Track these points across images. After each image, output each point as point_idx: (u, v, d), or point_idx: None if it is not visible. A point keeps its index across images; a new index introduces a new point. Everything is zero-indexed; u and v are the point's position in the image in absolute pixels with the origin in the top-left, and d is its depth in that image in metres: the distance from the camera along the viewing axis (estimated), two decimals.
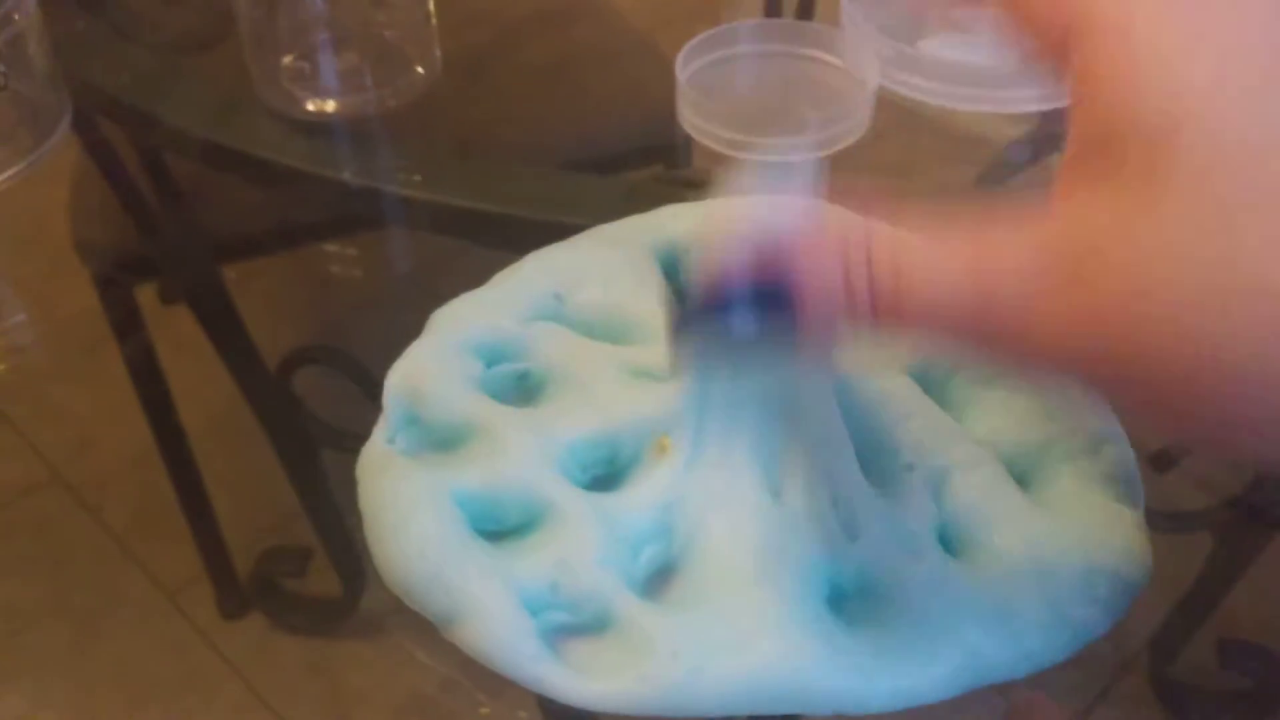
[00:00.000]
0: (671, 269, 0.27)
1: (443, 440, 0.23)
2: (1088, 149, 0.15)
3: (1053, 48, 0.15)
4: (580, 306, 0.25)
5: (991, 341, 0.15)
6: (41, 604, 0.26)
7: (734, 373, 0.21)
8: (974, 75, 0.37)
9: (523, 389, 0.24)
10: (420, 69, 0.40)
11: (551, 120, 0.40)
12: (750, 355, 0.18)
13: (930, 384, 0.24)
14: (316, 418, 0.30)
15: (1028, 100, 0.37)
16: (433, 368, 0.24)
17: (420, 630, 0.23)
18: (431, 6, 0.40)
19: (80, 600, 0.27)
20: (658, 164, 0.38)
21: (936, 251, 0.15)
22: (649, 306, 0.25)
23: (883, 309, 0.16)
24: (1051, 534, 0.21)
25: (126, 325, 0.34)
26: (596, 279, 0.25)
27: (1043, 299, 0.15)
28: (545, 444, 0.22)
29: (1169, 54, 0.14)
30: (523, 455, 0.22)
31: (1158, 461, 0.28)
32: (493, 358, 0.24)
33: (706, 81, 0.37)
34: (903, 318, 0.16)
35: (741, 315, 0.17)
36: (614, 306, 0.25)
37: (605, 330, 0.25)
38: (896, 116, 0.37)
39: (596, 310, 0.25)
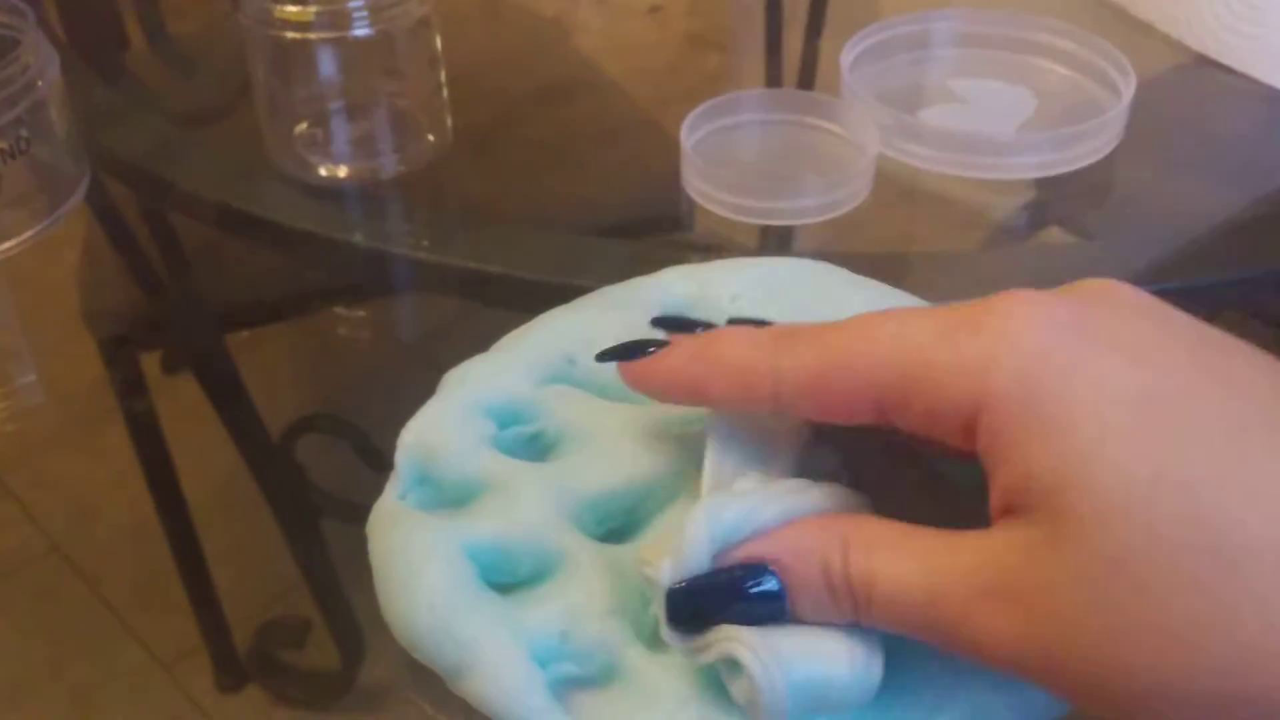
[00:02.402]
0: (676, 330, 0.27)
1: (455, 498, 0.23)
2: (1009, 490, 0.17)
3: (956, 431, 0.18)
4: (592, 369, 0.25)
5: (945, 640, 0.18)
6: (38, 675, 0.26)
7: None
8: (972, 143, 0.37)
9: (535, 449, 0.24)
10: (431, 137, 0.41)
11: (559, 189, 0.40)
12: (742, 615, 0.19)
13: None
14: (318, 487, 0.30)
15: (1025, 168, 0.38)
16: (446, 427, 0.24)
17: (422, 698, 0.22)
18: (443, 77, 0.41)
19: (77, 672, 0.26)
20: (662, 231, 0.38)
21: (900, 561, 0.18)
22: None
23: (859, 610, 0.19)
24: None
25: (131, 393, 0.34)
26: (606, 342, 0.26)
27: (979, 610, 0.17)
28: (560, 497, 0.22)
29: (1056, 425, 0.17)
30: (536, 507, 0.22)
31: None
32: (505, 420, 0.24)
33: (711, 148, 0.38)
34: (873, 618, 0.19)
35: (732, 596, 0.19)
36: None
37: (618, 391, 0.25)
38: (899, 185, 0.38)
39: (609, 372, 0.25)
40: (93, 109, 0.42)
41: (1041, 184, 0.38)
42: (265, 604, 0.28)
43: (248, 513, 0.30)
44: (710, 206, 0.37)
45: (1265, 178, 0.39)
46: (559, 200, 0.40)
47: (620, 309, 0.26)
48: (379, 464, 0.24)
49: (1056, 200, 0.38)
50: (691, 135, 0.37)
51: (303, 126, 0.40)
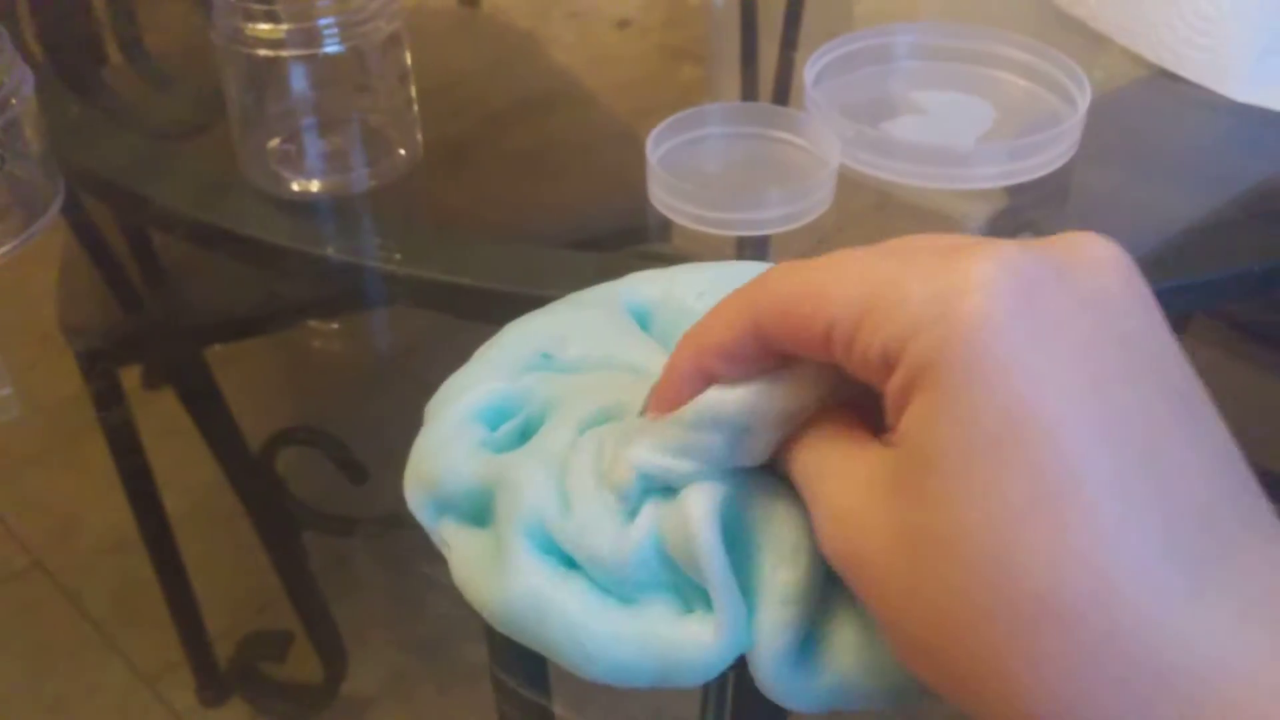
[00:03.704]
0: (644, 325, 0.27)
1: (473, 512, 0.23)
2: (897, 386, 0.18)
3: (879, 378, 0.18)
4: (570, 360, 0.25)
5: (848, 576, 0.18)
6: (18, 691, 0.26)
7: None
8: (933, 154, 0.38)
9: (527, 438, 0.24)
10: (402, 151, 0.41)
11: (530, 202, 0.41)
12: None
13: None
14: (298, 499, 0.31)
15: (984, 178, 0.38)
16: (436, 451, 0.23)
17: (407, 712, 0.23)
18: (413, 93, 0.41)
19: (58, 688, 0.26)
20: (635, 243, 0.39)
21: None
22: (635, 353, 0.25)
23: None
24: None
25: (110, 408, 0.34)
26: (580, 336, 0.26)
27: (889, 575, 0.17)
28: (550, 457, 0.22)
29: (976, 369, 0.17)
30: (536, 481, 0.22)
31: None
32: (495, 421, 0.24)
33: (676, 161, 0.39)
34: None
35: None
36: (603, 356, 0.25)
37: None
38: (869, 197, 0.39)
39: (585, 362, 0.25)
40: (69, 125, 0.42)
41: (1009, 191, 0.39)
42: (247, 617, 0.28)
43: (228, 526, 0.30)
44: (675, 218, 0.37)
45: (1222, 185, 0.40)
46: (531, 212, 0.40)
47: (589, 307, 0.27)
48: (358, 476, 0.25)
49: (1022, 208, 0.39)
50: (657, 149, 0.38)
51: (275, 142, 0.41)
